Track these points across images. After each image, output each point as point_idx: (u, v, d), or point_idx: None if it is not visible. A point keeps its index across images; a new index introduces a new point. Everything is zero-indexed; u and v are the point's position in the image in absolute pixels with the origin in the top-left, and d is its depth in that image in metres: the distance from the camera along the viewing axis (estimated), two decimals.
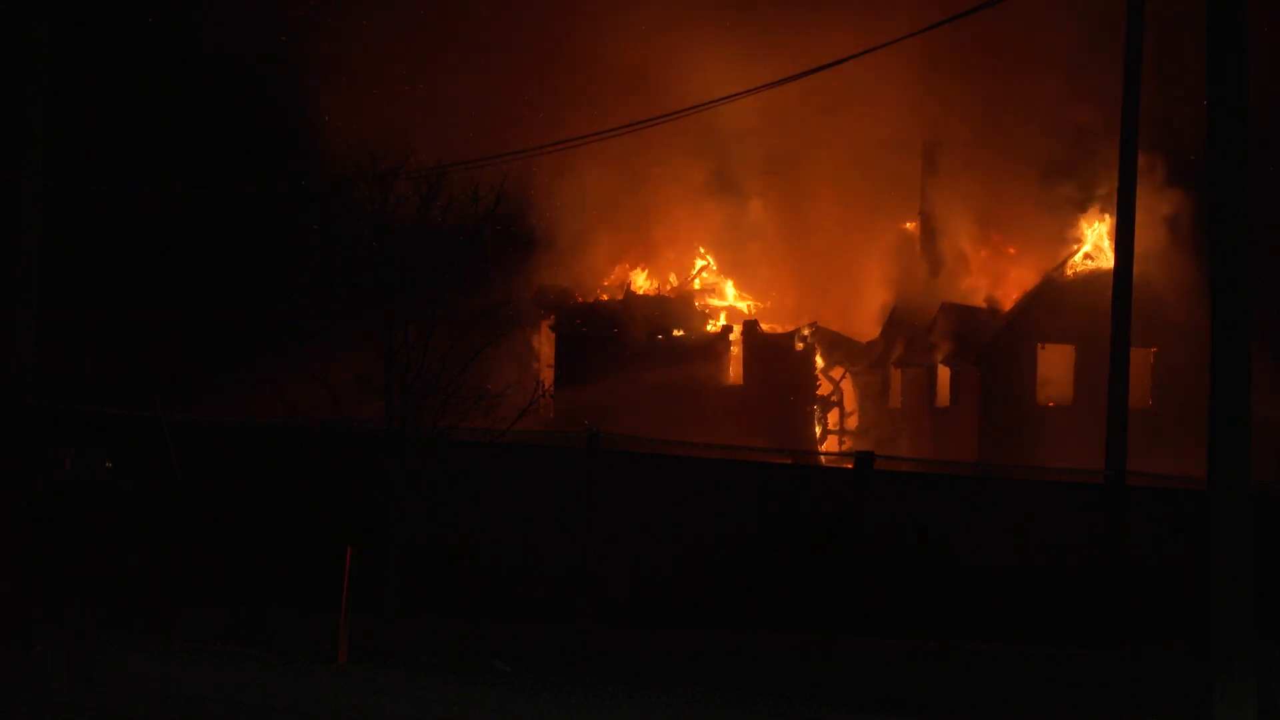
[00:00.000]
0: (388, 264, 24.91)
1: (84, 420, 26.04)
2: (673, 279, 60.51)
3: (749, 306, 60.53)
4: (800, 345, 57.96)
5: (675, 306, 59.02)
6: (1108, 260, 49.38)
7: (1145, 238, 35.79)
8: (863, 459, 29.22)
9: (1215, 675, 17.85)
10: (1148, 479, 29.85)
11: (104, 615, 18.15)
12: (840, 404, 58.61)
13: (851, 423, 58.40)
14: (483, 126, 49.69)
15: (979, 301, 55.57)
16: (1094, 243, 54.95)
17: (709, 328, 59.20)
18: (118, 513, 18.16)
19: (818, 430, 58.27)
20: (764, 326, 58.77)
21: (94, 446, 18.41)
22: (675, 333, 58.27)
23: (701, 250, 60.79)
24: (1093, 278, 52.82)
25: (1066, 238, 55.23)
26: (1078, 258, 55.14)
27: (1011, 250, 56.16)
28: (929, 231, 57.08)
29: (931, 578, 28.44)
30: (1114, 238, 30.22)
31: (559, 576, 27.25)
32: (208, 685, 18.04)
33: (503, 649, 23.21)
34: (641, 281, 60.29)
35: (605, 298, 59.18)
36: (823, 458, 52.01)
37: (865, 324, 58.31)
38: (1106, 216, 53.02)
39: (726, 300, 60.67)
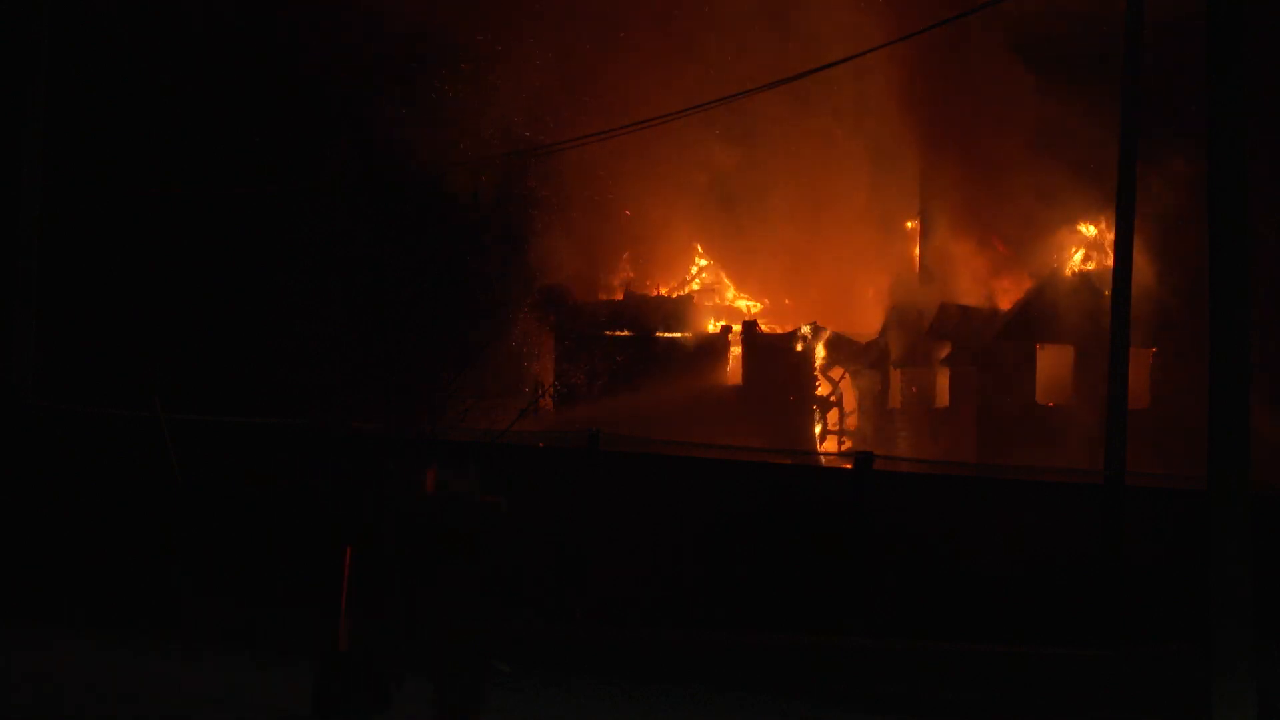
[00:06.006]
0: (387, 263, 24.90)
1: (84, 420, 26.04)
2: (672, 280, 60.51)
3: (748, 306, 60.51)
4: (799, 345, 57.93)
5: (675, 306, 58.99)
6: (1107, 259, 49.42)
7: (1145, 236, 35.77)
8: (862, 459, 29.21)
9: (1215, 675, 17.85)
10: (1147, 479, 29.82)
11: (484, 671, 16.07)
12: (840, 404, 58.57)
13: (851, 423, 58.34)
14: (486, 122, 49.63)
15: (978, 301, 55.53)
16: (1093, 242, 54.94)
17: (708, 328, 59.18)
18: (489, 540, 15.98)
19: (817, 430, 58.25)
20: (763, 326, 58.73)
21: (463, 456, 15.92)
22: (674, 333, 58.25)
23: (701, 250, 60.78)
24: (1092, 277, 52.83)
25: (1066, 237, 55.21)
26: (1077, 257, 55.14)
27: (1010, 250, 56.11)
28: (928, 231, 57.06)
29: (931, 578, 28.42)
30: (1113, 237, 30.20)
31: (559, 576, 27.23)
32: (206, 685, 18.02)
33: (503, 649, 23.17)
34: (641, 281, 60.27)
35: (605, 297, 59.15)
36: (822, 458, 52.00)
37: (864, 324, 58.25)
38: (1104, 216, 53.03)
39: (726, 300, 60.65)
